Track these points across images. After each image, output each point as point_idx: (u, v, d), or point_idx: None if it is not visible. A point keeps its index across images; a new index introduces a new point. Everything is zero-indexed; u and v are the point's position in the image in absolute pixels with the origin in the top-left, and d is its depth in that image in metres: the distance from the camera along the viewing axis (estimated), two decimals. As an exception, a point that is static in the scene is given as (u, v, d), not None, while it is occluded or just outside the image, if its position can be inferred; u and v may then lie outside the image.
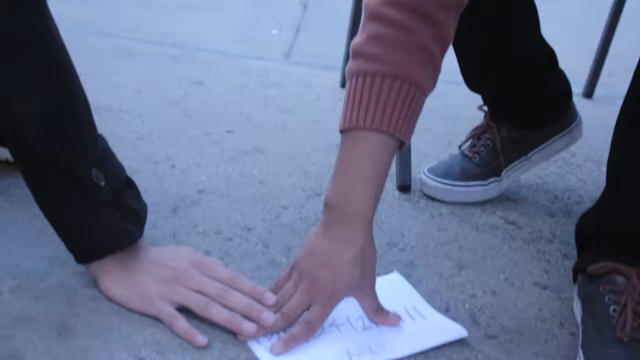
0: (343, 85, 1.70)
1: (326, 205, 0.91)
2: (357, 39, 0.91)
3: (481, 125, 1.29)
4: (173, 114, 1.48)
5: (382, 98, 0.88)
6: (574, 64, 1.63)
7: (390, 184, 1.28)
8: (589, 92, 1.85)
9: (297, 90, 1.68)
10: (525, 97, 1.24)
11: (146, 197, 1.00)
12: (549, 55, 1.24)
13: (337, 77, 1.75)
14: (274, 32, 2.09)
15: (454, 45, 1.18)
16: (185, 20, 2.07)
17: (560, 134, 1.30)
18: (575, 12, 2.48)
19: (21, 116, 0.85)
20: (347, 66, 0.91)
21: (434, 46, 0.89)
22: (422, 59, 0.89)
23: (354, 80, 0.90)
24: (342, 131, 0.91)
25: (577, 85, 1.82)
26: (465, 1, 0.92)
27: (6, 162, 1.17)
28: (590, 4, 2.45)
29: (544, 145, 1.29)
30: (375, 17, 0.89)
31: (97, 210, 0.90)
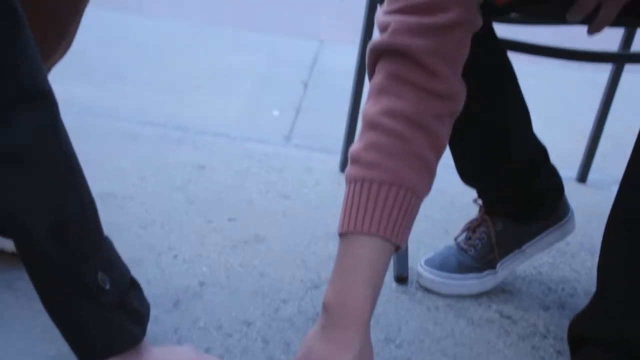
0: (342, 169, 1.74)
1: (324, 307, 0.93)
2: (356, 145, 0.95)
3: (476, 219, 1.32)
4: (176, 201, 1.51)
5: (379, 204, 0.91)
6: (567, 147, 1.66)
7: (388, 275, 1.30)
8: (582, 177, 1.87)
9: (297, 174, 1.71)
10: (518, 194, 1.27)
11: (148, 288, 1.03)
12: (541, 153, 1.28)
13: (336, 160, 1.79)
14: (275, 113, 2.13)
15: (449, 144, 1.22)
16: (188, 101, 2.10)
17: (553, 228, 1.33)
18: (569, 92, 2.52)
19: (28, 227, 0.87)
20: (346, 171, 0.95)
21: (429, 154, 0.94)
22: (418, 167, 0.93)
23: (352, 185, 0.93)
24: (340, 234, 0.94)
25: (571, 169, 1.85)
26: (458, 109, 0.97)
27: (12, 254, 1.19)
28: (583, 83, 2.49)
29: (537, 239, 1.32)
30: (373, 126, 0.93)
31: (101, 312, 0.91)
